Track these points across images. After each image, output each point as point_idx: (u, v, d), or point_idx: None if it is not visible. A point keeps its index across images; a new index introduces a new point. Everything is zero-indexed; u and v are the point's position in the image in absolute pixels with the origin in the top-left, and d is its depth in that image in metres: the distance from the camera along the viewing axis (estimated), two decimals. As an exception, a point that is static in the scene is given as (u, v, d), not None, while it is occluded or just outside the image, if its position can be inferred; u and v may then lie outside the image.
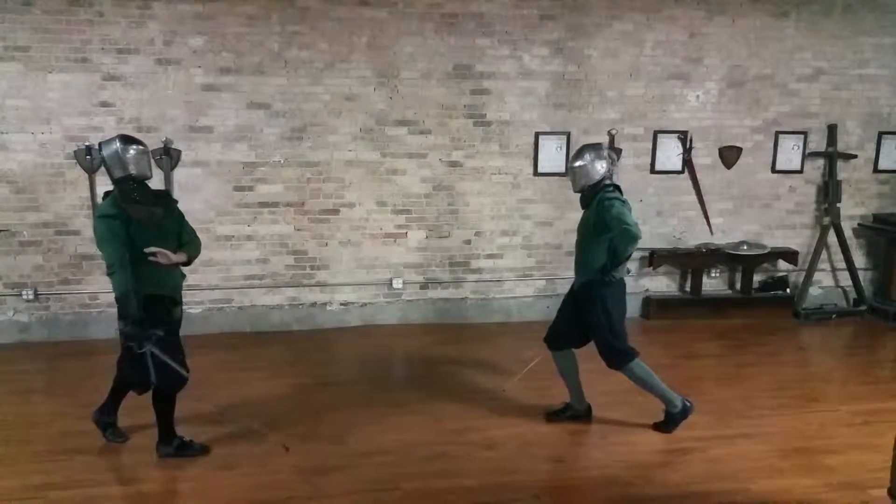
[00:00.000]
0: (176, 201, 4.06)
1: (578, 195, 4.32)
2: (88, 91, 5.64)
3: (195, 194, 5.91)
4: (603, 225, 4.04)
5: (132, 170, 3.73)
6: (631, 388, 4.76)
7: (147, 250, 3.66)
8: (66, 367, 5.23)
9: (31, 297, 5.87)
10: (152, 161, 3.93)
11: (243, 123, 5.91)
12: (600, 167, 4.15)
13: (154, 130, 5.77)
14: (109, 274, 3.67)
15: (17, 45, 5.48)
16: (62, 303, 5.97)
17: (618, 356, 4.23)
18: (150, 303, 3.75)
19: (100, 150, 3.79)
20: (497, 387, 4.99)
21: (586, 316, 4.23)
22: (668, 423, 4.37)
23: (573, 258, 4.41)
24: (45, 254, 5.85)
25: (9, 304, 5.90)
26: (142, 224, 3.70)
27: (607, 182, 4.17)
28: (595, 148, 4.24)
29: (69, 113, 5.64)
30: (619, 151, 6.46)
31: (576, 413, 4.51)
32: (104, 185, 4.04)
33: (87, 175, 5.68)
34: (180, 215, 4.01)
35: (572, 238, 6.52)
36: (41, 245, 5.83)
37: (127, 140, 3.78)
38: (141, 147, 3.79)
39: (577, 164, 4.19)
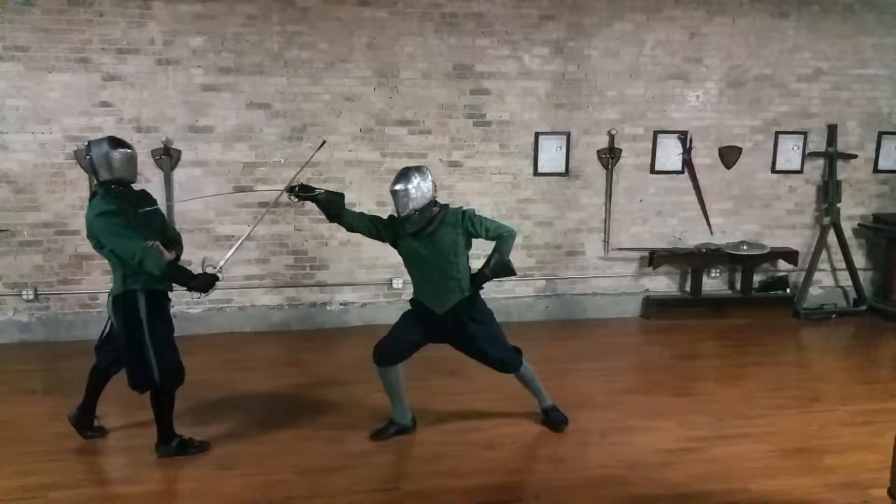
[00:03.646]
0: (156, 201, 4.03)
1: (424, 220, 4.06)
2: (88, 91, 5.64)
3: (195, 194, 5.90)
4: (468, 241, 4.14)
5: (118, 173, 3.70)
6: (630, 388, 4.78)
7: (146, 244, 3.64)
8: (66, 367, 5.22)
9: (31, 297, 5.87)
10: (138, 165, 3.91)
11: (243, 123, 5.91)
12: (427, 188, 4.03)
13: (154, 130, 5.78)
14: (138, 262, 3.58)
15: (17, 45, 5.48)
16: (62, 303, 5.97)
17: (515, 355, 4.28)
18: (153, 298, 3.78)
19: (89, 149, 3.72)
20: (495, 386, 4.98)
21: (475, 331, 4.13)
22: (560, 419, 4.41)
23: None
24: (45, 254, 5.85)
25: (9, 304, 5.90)
26: (133, 222, 3.69)
27: (438, 202, 4.10)
28: (419, 170, 4.08)
29: (69, 113, 5.64)
30: (618, 151, 6.48)
31: (402, 428, 4.32)
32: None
33: (87, 175, 5.67)
34: (163, 214, 4.08)
35: (573, 238, 6.66)
36: (41, 245, 5.83)
37: (116, 143, 3.74)
38: (129, 151, 3.75)
39: (405, 186, 3.99)
